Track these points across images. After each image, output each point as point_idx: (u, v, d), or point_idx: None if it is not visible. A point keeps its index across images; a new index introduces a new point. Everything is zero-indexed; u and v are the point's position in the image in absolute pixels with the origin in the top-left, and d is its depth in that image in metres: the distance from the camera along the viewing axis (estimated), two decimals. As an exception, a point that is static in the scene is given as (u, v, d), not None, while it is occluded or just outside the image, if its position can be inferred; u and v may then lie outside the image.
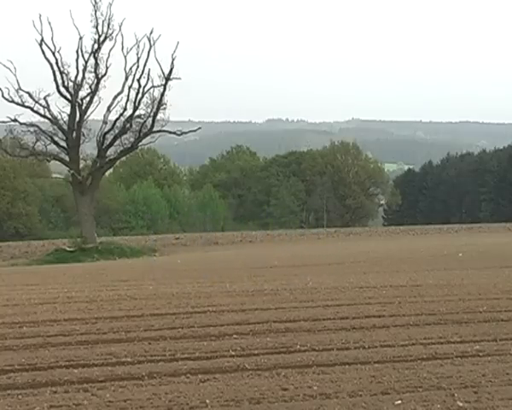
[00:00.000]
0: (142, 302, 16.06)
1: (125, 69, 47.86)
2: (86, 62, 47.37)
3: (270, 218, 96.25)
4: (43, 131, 47.11)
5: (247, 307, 14.70)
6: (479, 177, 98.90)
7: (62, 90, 47.02)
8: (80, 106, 47.23)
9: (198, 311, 14.21)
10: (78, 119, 47.25)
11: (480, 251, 32.87)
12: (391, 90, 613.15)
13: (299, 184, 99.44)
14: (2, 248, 54.63)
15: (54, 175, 69.63)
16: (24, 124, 47.02)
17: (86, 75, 47.39)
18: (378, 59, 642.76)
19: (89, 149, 50.27)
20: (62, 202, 79.81)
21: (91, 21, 47.08)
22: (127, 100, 47.91)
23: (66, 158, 47.88)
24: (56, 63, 46.87)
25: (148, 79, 47.72)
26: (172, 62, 47.67)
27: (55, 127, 47.54)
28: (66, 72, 47.17)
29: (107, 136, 48.00)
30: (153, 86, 47.96)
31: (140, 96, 47.72)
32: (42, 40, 46.49)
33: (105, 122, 48.47)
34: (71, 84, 47.12)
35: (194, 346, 10.38)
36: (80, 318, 13.81)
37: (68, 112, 47.33)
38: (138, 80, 47.70)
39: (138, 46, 47.46)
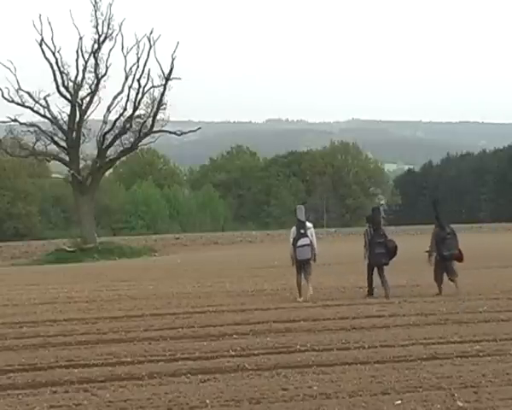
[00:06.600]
0: (142, 302, 16.06)
1: (125, 69, 47.86)
2: (86, 62, 47.36)
3: (270, 218, 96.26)
4: (43, 131, 47.08)
5: (247, 307, 14.71)
6: (479, 177, 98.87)
7: (62, 90, 47.02)
8: (80, 106, 47.20)
9: (198, 311, 14.22)
10: (78, 119, 47.22)
11: (481, 252, 32.82)
12: (391, 91, 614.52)
13: (299, 184, 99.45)
14: (3, 249, 54.59)
15: (54, 175, 69.55)
16: (24, 124, 47.00)
17: (86, 75, 47.38)
18: (378, 59, 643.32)
19: (89, 149, 50.25)
20: (62, 201, 79.76)
21: (91, 21, 47.10)
22: (127, 100, 47.91)
23: (66, 158, 47.84)
24: (56, 63, 46.86)
25: (148, 79, 47.71)
26: (172, 62, 47.65)
27: (55, 127, 47.51)
28: (66, 72, 47.18)
29: (107, 136, 47.95)
30: (153, 86, 47.97)
31: (140, 96, 47.71)
32: (42, 40, 46.48)
33: (105, 122, 48.43)
34: (71, 84, 47.10)
35: (194, 346, 10.37)
36: (80, 318, 13.82)
37: (68, 112, 47.30)
38: (138, 80, 47.69)
39: (138, 46, 47.46)
